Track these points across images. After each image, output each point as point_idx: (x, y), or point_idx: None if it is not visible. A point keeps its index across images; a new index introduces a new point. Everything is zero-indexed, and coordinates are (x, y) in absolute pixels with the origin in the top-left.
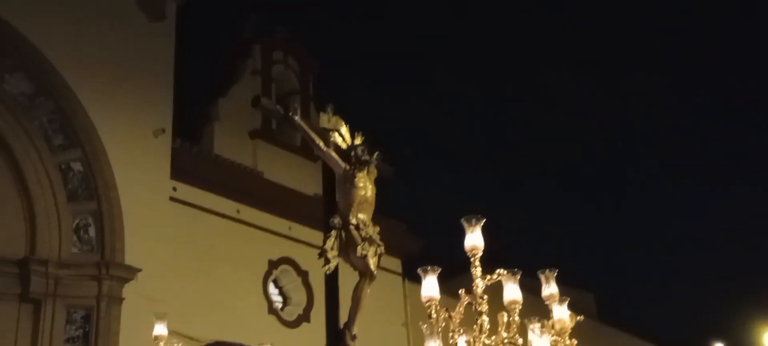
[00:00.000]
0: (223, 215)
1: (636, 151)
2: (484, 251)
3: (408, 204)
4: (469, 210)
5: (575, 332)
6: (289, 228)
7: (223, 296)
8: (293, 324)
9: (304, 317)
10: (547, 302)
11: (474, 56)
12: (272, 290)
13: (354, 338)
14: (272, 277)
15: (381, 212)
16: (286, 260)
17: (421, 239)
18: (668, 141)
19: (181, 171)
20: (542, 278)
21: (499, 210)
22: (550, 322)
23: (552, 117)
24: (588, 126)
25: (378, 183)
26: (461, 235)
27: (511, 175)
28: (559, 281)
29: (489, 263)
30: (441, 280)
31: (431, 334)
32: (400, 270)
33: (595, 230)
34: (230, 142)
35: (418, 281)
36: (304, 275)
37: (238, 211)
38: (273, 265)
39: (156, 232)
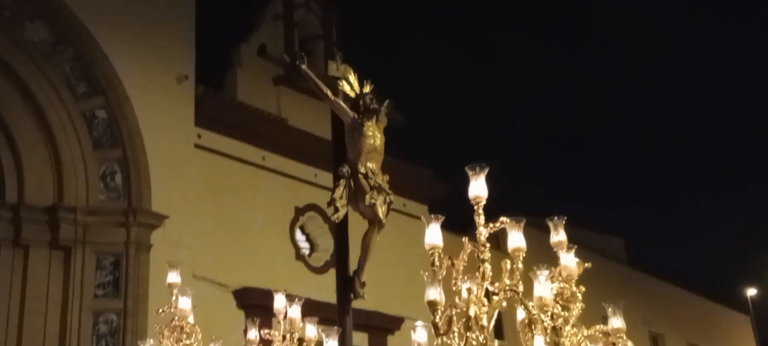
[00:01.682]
0: (248, 162)
1: (670, 94)
2: (512, 196)
3: (434, 150)
4: (497, 155)
5: (605, 277)
6: (315, 175)
7: (251, 243)
8: (320, 270)
9: (332, 262)
10: (555, 249)
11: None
12: (299, 236)
13: (363, 285)
14: (299, 224)
15: (407, 159)
16: (312, 207)
17: (447, 185)
18: (703, 83)
19: (205, 118)
20: (551, 225)
21: (530, 157)
22: (558, 269)
23: (584, 55)
24: (618, 65)
25: (389, 132)
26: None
27: (541, 122)
28: (590, 227)
29: (518, 209)
30: (465, 226)
31: (432, 282)
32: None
33: (626, 175)
34: (254, 89)
35: (444, 226)
36: (330, 221)
37: (263, 158)
38: (299, 212)
39: (182, 179)
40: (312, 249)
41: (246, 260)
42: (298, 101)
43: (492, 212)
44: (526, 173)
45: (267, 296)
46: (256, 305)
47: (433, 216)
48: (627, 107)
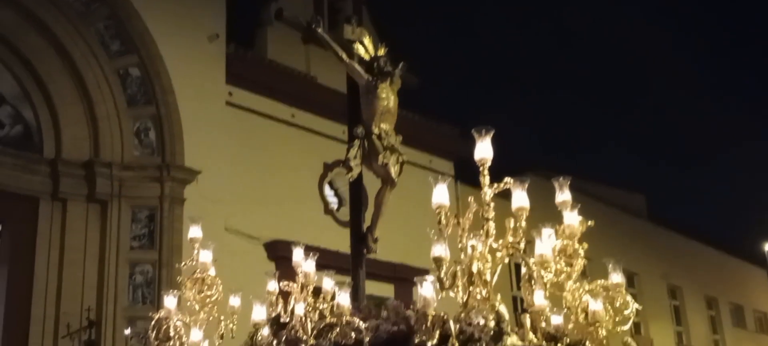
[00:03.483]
0: (278, 119)
1: (683, 49)
2: (535, 153)
3: (461, 108)
4: (522, 114)
5: (626, 232)
6: (343, 132)
7: (281, 198)
8: (348, 224)
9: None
10: (560, 209)
11: None
12: (328, 191)
13: (376, 240)
14: (327, 179)
15: (434, 117)
16: (340, 163)
17: (473, 143)
18: (715, 35)
19: (236, 76)
20: (556, 185)
21: (554, 115)
22: (562, 227)
23: (609, 14)
24: (641, 24)
25: (416, 92)
26: (509, 139)
27: (565, 81)
28: (610, 183)
29: (540, 165)
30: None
31: (438, 239)
32: (452, 173)
33: (645, 131)
34: (283, 47)
35: (469, 183)
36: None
37: (292, 115)
38: (328, 167)
39: (214, 136)
40: (340, 204)
41: (276, 214)
42: (326, 59)
43: (514, 169)
44: (549, 130)
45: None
46: (286, 257)
47: (439, 177)
48: (648, 65)
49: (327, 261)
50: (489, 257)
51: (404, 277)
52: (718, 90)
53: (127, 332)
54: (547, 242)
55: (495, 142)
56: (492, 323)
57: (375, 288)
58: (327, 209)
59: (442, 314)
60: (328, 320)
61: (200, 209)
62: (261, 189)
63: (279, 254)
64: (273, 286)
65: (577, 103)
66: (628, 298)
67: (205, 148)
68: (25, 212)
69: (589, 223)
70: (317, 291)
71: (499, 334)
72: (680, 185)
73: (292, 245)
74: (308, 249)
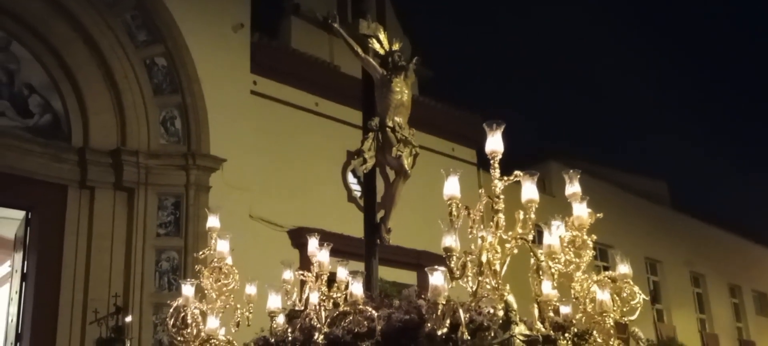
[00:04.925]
0: (302, 108)
1: (709, 35)
2: (563, 141)
3: (484, 96)
4: (542, 103)
5: (648, 220)
6: None
7: (304, 185)
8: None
9: (382, 205)
10: (569, 200)
11: None
12: (351, 179)
13: (389, 231)
14: (351, 167)
15: (456, 105)
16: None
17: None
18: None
19: (260, 65)
20: (566, 177)
21: (574, 104)
22: (571, 219)
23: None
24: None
25: (438, 81)
26: (533, 128)
27: (583, 72)
28: (632, 171)
29: (563, 155)
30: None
31: (449, 230)
32: (475, 160)
33: (668, 118)
34: (307, 37)
35: (487, 168)
36: (381, 165)
37: (316, 104)
38: (351, 155)
39: (239, 124)
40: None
41: (300, 202)
42: (349, 49)
43: (537, 157)
44: (572, 119)
45: (320, 236)
46: None
47: (451, 169)
48: (668, 55)
49: (350, 248)
50: (498, 248)
51: (427, 264)
52: (745, 73)
53: (128, 319)
54: (555, 234)
55: (520, 132)
56: (501, 312)
57: (398, 275)
58: (350, 197)
59: (452, 302)
60: (341, 308)
61: (225, 196)
62: (285, 177)
63: (303, 241)
64: (288, 275)
65: (597, 93)
66: (635, 289)
67: (230, 136)
68: (53, 200)
69: (599, 215)
70: (332, 279)
71: (507, 323)
72: (703, 171)
73: (316, 233)
74: (332, 236)
